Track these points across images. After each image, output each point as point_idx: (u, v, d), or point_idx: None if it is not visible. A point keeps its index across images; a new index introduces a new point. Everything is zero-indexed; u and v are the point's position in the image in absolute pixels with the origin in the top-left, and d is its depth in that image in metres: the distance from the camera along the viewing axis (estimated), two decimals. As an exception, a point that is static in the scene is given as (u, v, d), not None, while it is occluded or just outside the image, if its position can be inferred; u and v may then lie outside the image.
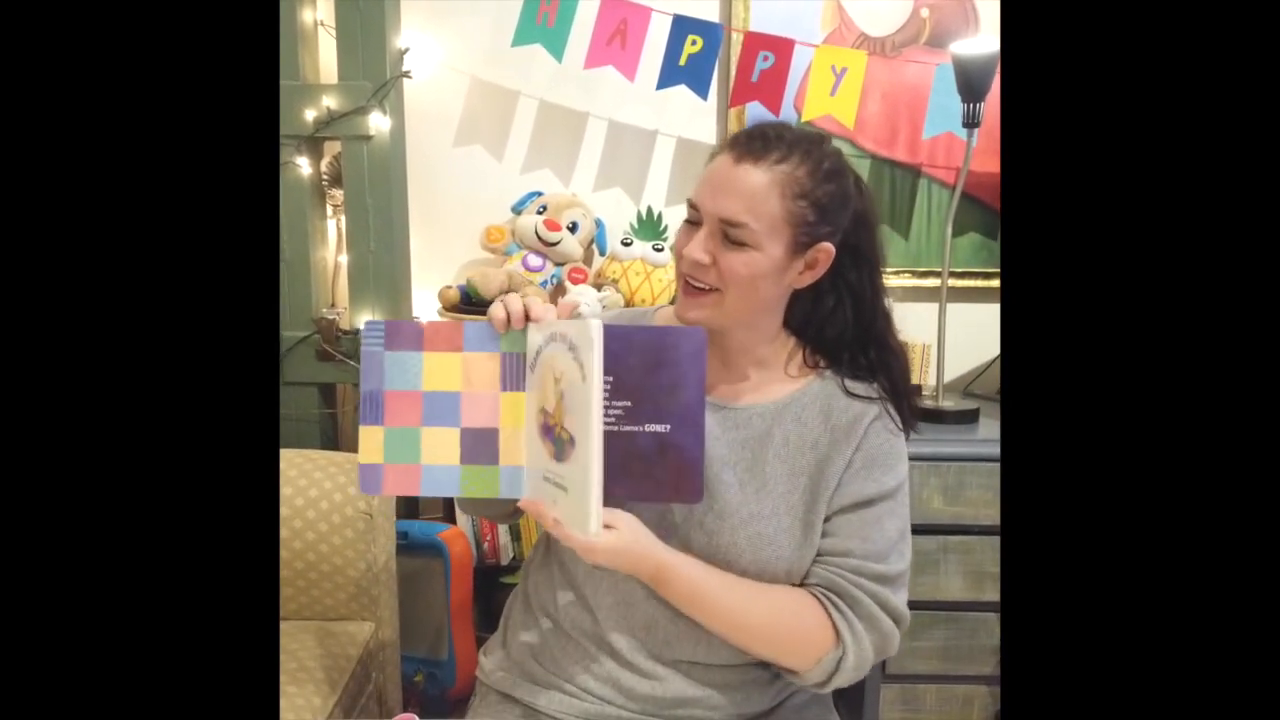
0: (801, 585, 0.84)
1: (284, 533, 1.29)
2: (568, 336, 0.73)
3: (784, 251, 0.80)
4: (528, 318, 0.77)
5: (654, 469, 0.74)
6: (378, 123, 1.53)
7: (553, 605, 0.90)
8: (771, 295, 0.84)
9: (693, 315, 0.82)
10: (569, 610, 0.88)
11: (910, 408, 0.88)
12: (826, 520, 0.84)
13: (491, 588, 1.67)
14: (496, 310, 0.78)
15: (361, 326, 0.82)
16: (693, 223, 0.82)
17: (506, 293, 1.57)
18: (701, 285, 0.81)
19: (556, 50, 1.54)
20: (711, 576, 0.81)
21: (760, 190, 0.78)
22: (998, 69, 1.39)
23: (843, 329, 0.86)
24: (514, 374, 0.79)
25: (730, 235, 0.79)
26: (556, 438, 0.74)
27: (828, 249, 0.82)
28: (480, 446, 0.79)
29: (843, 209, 0.82)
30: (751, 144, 0.79)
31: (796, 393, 0.87)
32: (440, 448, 0.79)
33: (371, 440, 0.80)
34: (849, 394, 0.86)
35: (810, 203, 0.79)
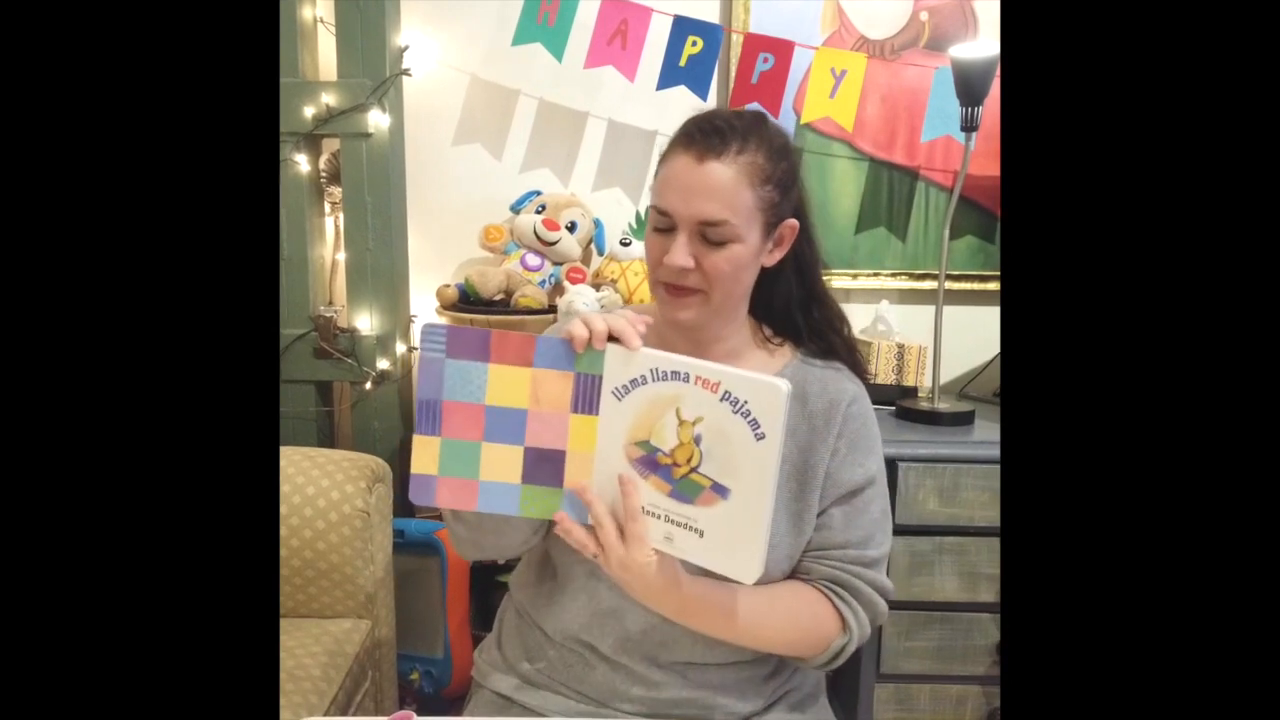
0: (798, 577, 0.85)
1: (280, 530, 1.29)
2: (722, 386, 0.70)
3: (759, 237, 0.82)
4: (612, 339, 0.73)
5: None
6: (377, 120, 1.53)
7: (544, 616, 0.90)
8: (750, 281, 0.85)
9: (684, 316, 0.83)
10: (561, 620, 0.88)
11: (858, 357, 0.92)
12: (820, 514, 0.85)
13: (488, 586, 1.67)
14: (577, 329, 0.72)
15: (420, 330, 0.79)
16: (662, 229, 0.81)
17: (506, 292, 1.58)
18: (686, 286, 0.81)
19: (557, 50, 1.54)
20: (726, 595, 0.80)
21: (731, 185, 0.78)
22: (996, 73, 1.40)
23: (789, 296, 0.90)
24: (587, 396, 0.75)
25: (710, 235, 0.79)
26: (684, 479, 0.72)
27: (793, 224, 0.84)
28: (544, 467, 0.76)
29: (796, 182, 0.84)
30: (710, 140, 0.79)
31: None
32: (501, 465, 0.76)
33: (426, 450, 0.76)
34: (821, 369, 0.89)
35: (774, 185, 0.81)
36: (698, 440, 0.71)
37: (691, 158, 0.79)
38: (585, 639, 0.86)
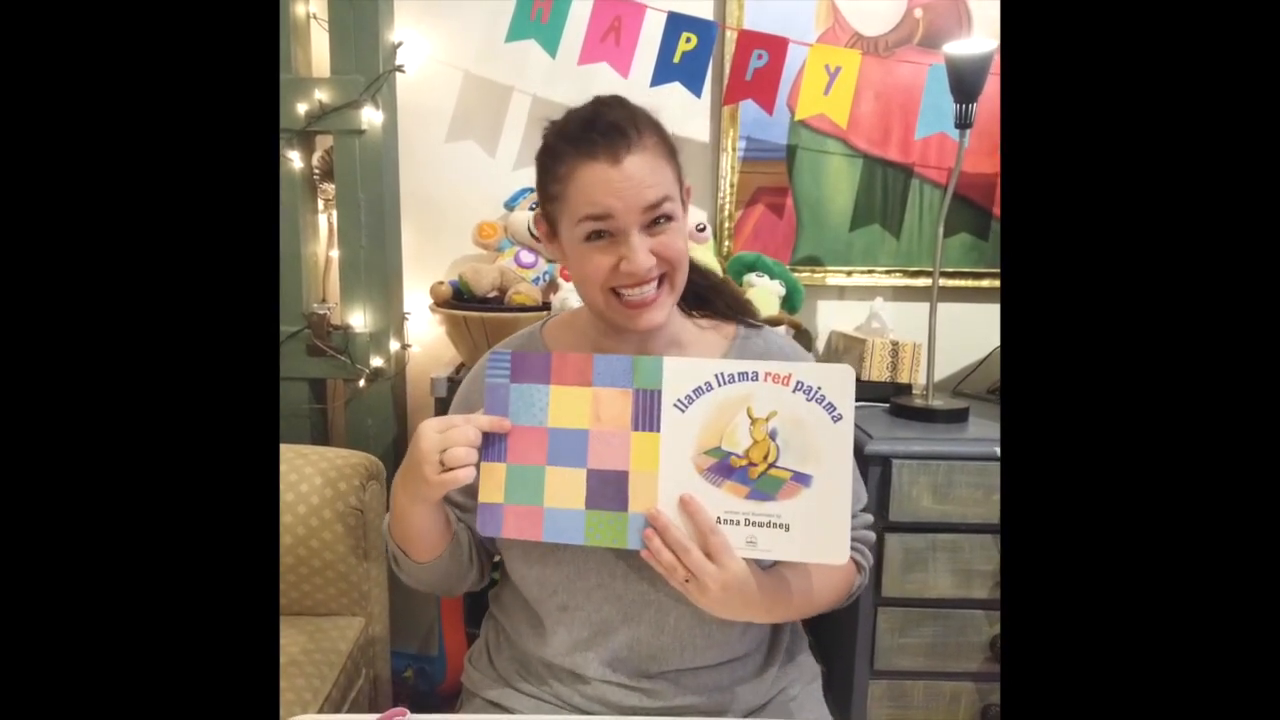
0: None
1: (274, 528, 1.28)
2: (794, 378, 0.73)
3: (683, 206, 0.84)
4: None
5: None
6: (370, 117, 1.53)
7: (526, 644, 0.89)
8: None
9: (658, 318, 0.81)
10: (542, 651, 0.87)
11: (751, 308, 0.96)
12: None
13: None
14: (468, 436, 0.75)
15: (487, 357, 0.79)
16: (600, 241, 0.79)
17: (499, 289, 1.57)
18: (649, 286, 0.80)
19: (550, 46, 1.54)
20: (792, 577, 0.82)
21: (653, 169, 0.79)
22: (990, 70, 1.40)
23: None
24: (647, 412, 0.75)
25: (655, 220, 0.79)
26: (763, 477, 0.73)
27: (689, 186, 0.87)
28: (607, 490, 0.75)
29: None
30: (614, 140, 0.77)
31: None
32: (564, 490, 0.75)
33: (492, 478, 0.76)
34: (761, 335, 0.92)
35: (673, 155, 0.83)
36: (773, 435, 0.73)
37: (606, 161, 0.77)
38: (570, 668, 0.86)
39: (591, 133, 0.78)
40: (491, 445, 0.77)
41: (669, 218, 0.79)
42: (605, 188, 0.77)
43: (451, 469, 0.74)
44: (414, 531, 0.82)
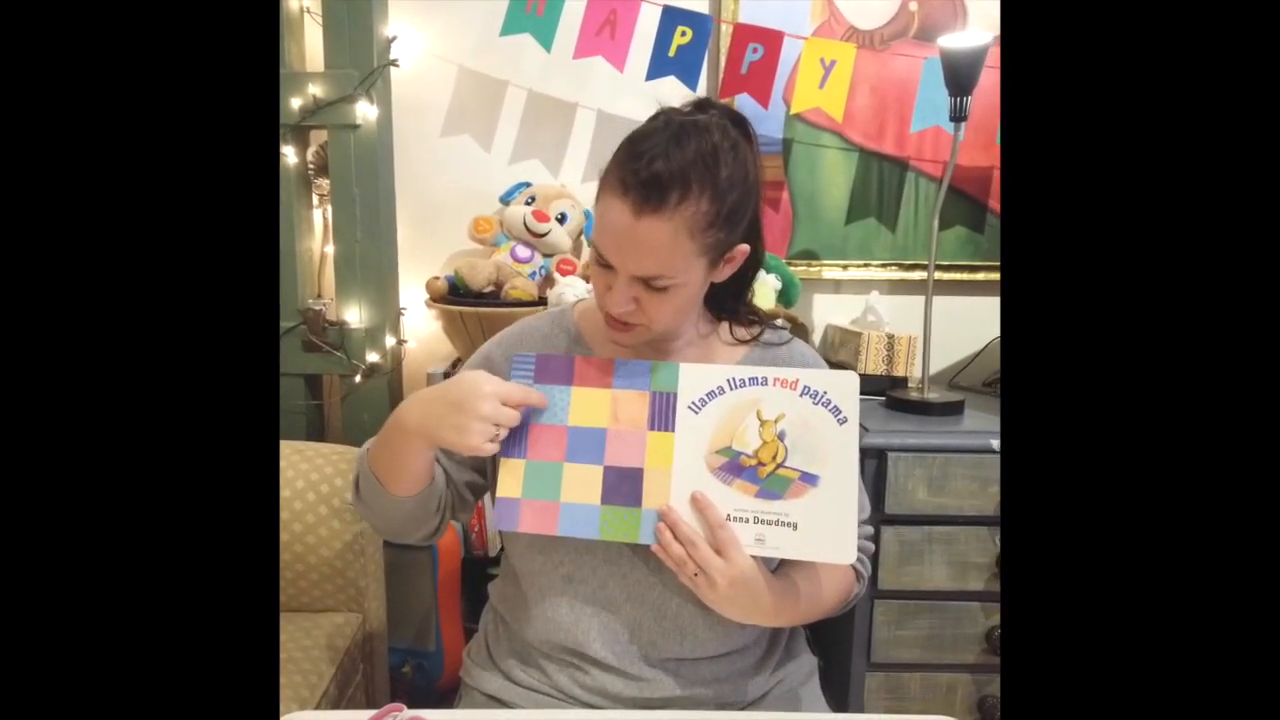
0: None
1: (271, 524, 1.28)
2: (800, 383, 0.77)
3: (704, 272, 0.79)
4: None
5: None
6: (364, 111, 1.52)
7: (526, 629, 0.89)
8: (698, 303, 0.84)
9: (626, 343, 0.83)
10: (545, 632, 0.87)
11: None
12: None
13: (479, 579, 1.67)
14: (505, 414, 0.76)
15: (511, 359, 0.83)
16: (603, 265, 0.78)
17: (495, 284, 1.57)
18: (629, 321, 0.80)
19: (545, 40, 1.54)
20: (801, 582, 0.83)
21: (669, 241, 0.73)
22: (985, 63, 1.40)
23: (738, 290, 0.90)
24: (663, 413, 0.79)
25: (651, 283, 0.76)
26: (771, 476, 0.76)
27: (744, 248, 0.81)
28: (623, 486, 0.78)
29: (747, 202, 0.78)
30: (647, 193, 0.71)
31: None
32: (581, 485, 0.78)
33: (511, 474, 0.79)
34: (780, 346, 0.91)
35: (720, 225, 0.75)
36: (781, 436, 0.77)
37: (627, 209, 0.72)
38: (572, 646, 0.86)
39: (633, 175, 0.72)
40: (512, 442, 0.79)
41: (665, 288, 0.76)
42: (611, 233, 0.75)
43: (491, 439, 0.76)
44: (403, 465, 0.81)
